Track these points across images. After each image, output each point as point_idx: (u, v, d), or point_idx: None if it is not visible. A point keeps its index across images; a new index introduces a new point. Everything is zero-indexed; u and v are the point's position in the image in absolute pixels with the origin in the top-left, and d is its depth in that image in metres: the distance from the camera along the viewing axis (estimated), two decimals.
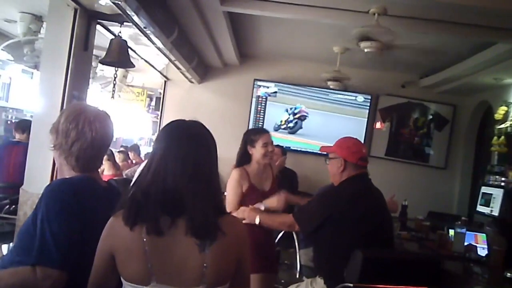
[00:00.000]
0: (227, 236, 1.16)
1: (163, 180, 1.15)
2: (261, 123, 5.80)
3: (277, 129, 5.71)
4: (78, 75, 2.99)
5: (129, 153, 6.64)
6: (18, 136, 3.98)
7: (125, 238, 1.14)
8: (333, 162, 2.34)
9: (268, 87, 5.81)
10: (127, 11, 2.78)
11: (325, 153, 2.44)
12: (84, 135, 1.41)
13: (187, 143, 1.19)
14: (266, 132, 2.67)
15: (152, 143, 1.20)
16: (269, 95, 5.80)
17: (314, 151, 5.76)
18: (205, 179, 1.17)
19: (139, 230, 1.13)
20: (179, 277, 1.13)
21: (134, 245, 1.13)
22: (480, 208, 4.58)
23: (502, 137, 4.41)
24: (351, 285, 1.96)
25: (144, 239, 1.12)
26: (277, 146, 4.87)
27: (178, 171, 1.15)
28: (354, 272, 2.00)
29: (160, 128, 5.77)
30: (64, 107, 2.83)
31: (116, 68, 4.08)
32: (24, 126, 3.98)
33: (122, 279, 1.17)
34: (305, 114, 5.72)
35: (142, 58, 4.52)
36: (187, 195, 1.14)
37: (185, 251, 1.14)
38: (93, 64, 4.53)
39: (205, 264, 1.13)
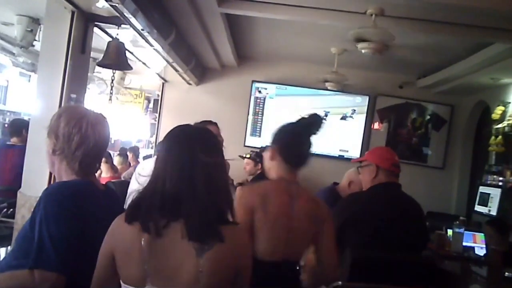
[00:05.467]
0: (226, 244, 1.14)
1: (163, 183, 1.16)
2: (259, 125, 5.80)
3: None
4: (76, 77, 2.98)
5: (128, 153, 6.64)
6: (12, 140, 3.97)
7: (124, 238, 1.16)
8: (365, 169, 2.33)
9: (266, 89, 5.81)
10: (125, 14, 2.78)
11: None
12: (88, 139, 1.41)
13: (188, 146, 1.19)
14: (213, 123, 2.67)
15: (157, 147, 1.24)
16: (267, 97, 5.81)
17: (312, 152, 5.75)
18: (205, 184, 1.16)
19: (137, 231, 1.13)
20: (174, 281, 1.13)
21: (133, 245, 1.13)
22: (478, 208, 4.59)
23: (500, 136, 4.42)
24: (340, 283, 1.98)
25: (142, 240, 1.12)
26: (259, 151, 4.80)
27: (176, 174, 1.16)
28: (345, 271, 2.04)
29: (158, 131, 5.79)
30: None
31: (114, 71, 4.08)
32: (17, 128, 3.97)
33: (121, 281, 1.17)
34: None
35: (140, 60, 4.52)
36: (186, 199, 1.14)
37: (182, 255, 1.13)
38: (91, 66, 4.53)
39: (200, 269, 1.12)
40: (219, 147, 1.26)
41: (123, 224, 1.16)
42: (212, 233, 1.13)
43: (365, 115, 5.70)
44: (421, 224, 2.34)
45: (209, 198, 1.15)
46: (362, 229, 2.15)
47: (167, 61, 4.41)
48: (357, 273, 1.98)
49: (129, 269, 1.14)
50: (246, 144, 5.67)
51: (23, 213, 2.81)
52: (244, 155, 4.77)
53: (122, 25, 3.08)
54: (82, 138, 1.40)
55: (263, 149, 4.65)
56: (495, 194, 4.34)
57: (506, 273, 2.52)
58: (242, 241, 1.23)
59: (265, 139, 5.72)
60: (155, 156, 1.26)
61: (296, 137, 1.84)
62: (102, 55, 3.23)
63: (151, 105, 8.84)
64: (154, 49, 3.78)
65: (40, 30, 4.32)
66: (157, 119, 6.07)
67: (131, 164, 6.34)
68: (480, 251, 3.10)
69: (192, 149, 1.18)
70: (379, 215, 2.18)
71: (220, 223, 1.17)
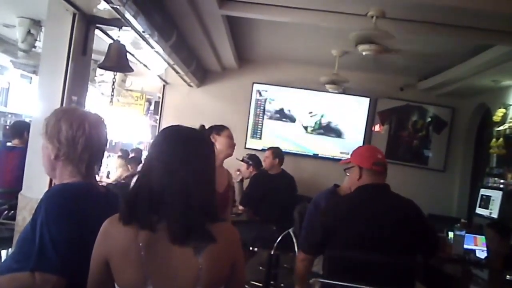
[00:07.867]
0: (219, 242, 1.15)
1: (149, 180, 1.16)
2: (260, 127, 5.81)
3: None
4: (77, 79, 2.98)
5: (130, 155, 6.63)
6: (13, 142, 3.97)
7: (120, 241, 1.14)
8: (351, 172, 2.28)
9: (266, 91, 5.82)
10: (126, 16, 2.79)
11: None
12: (92, 141, 1.40)
13: (175, 145, 1.20)
14: (226, 128, 2.77)
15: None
16: (268, 99, 5.81)
17: (312, 154, 5.76)
18: (191, 183, 1.15)
19: (134, 232, 1.13)
20: (175, 280, 1.13)
21: (130, 248, 1.12)
22: (479, 211, 4.59)
23: (501, 139, 4.42)
24: (314, 279, 2.19)
25: (140, 244, 1.12)
26: (270, 148, 4.79)
27: (161, 171, 1.16)
28: (324, 269, 2.13)
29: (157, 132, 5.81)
30: None
31: (115, 73, 4.09)
32: (18, 130, 3.97)
33: (116, 285, 1.16)
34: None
35: (141, 62, 4.52)
36: (168, 197, 1.13)
37: (180, 254, 1.13)
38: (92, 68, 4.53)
39: (200, 267, 1.13)
40: (210, 147, 1.28)
41: (118, 226, 1.15)
42: (200, 235, 1.13)
43: (366, 117, 5.70)
44: (414, 225, 2.13)
45: (199, 198, 1.15)
46: (341, 233, 2.09)
47: (168, 63, 4.41)
48: (333, 271, 2.04)
49: (127, 273, 1.13)
50: (247, 147, 5.67)
51: (24, 215, 2.81)
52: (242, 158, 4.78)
53: (123, 27, 3.09)
54: (87, 141, 1.39)
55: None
56: (496, 196, 4.33)
57: (507, 276, 2.51)
58: (234, 238, 1.25)
59: (265, 141, 5.72)
60: (146, 155, 1.25)
61: None
62: (103, 57, 3.24)
63: (152, 107, 8.85)
64: (155, 51, 3.79)
65: (41, 32, 4.34)
66: (158, 121, 6.08)
67: (131, 167, 6.33)
68: (481, 254, 3.09)
69: (184, 149, 1.19)
70: (359, 218, 2.11)
71: (210, 221, 1.17)
